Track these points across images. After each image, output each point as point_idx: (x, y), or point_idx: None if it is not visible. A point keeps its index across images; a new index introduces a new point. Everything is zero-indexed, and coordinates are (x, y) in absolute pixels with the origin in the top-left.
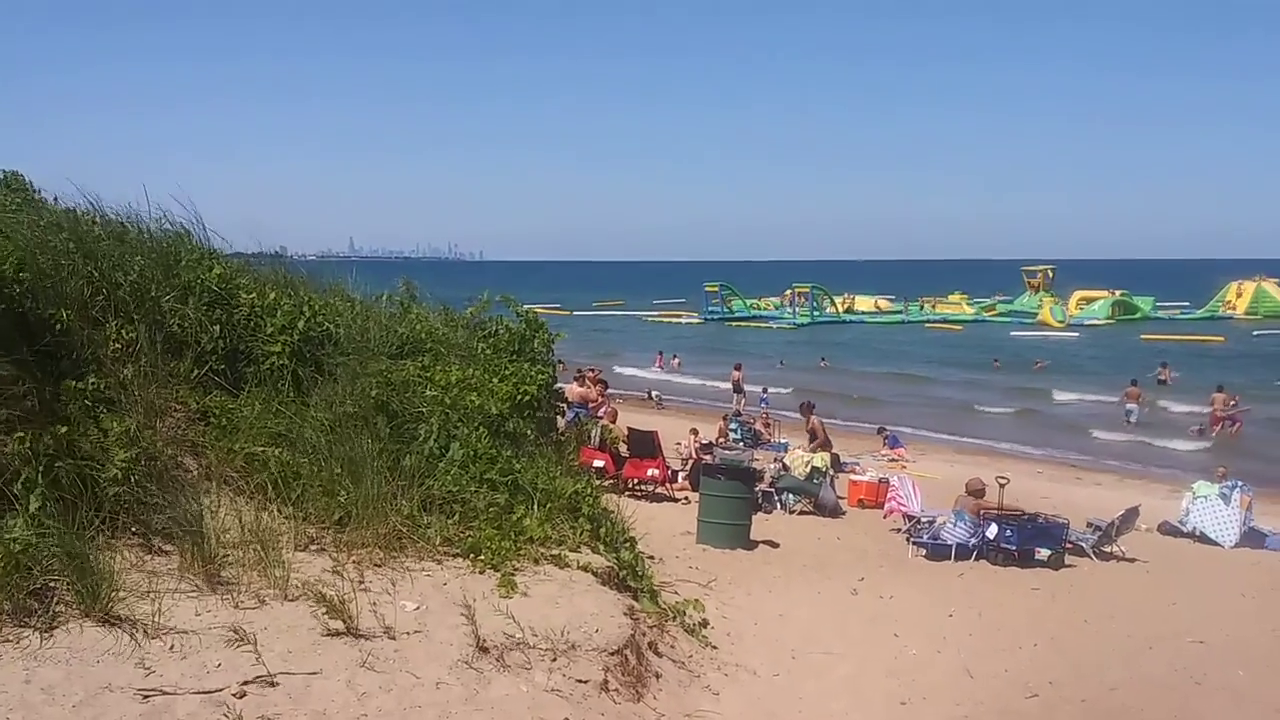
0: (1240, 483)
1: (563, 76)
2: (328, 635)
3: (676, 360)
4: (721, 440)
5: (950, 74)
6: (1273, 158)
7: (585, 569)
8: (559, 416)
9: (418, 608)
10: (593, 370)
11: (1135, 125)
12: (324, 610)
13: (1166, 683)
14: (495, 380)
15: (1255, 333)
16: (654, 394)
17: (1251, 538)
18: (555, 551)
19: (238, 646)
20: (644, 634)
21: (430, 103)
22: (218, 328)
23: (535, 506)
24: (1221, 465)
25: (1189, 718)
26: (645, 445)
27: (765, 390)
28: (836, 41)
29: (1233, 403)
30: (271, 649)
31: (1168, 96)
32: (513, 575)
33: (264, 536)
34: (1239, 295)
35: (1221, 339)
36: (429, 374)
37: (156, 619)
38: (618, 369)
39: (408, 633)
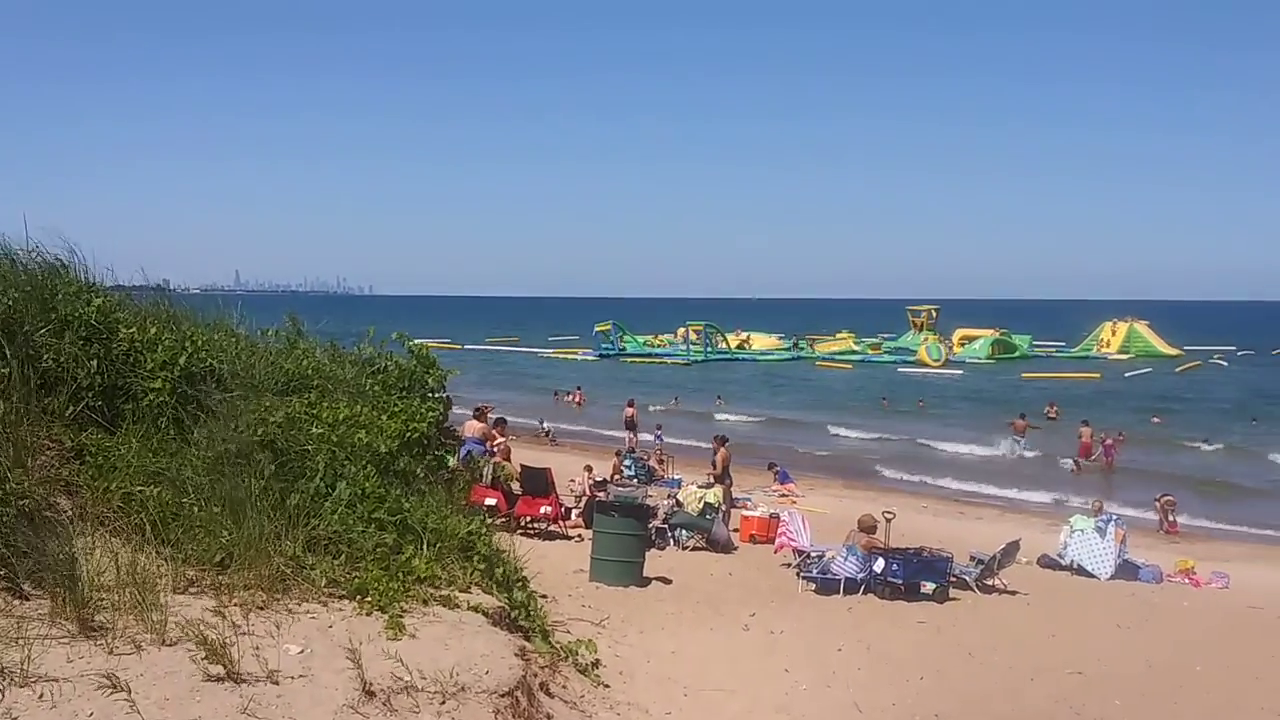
0: (1115, 517)
1: (451, 110)
2: (207, 681)
3: (574, 396)
4: (616, 477)
5: (836, 123)
6: (1136, 207)
7: (476, 609)
8: (451, 454)
9: (302, 651)
10: (487, 405)
11: (1012, 172)
12: (204, 655)
13: (1048, 713)
14: (384, 417)
15: (1127, 373)
16: (547, 429)
17: (1126, 570)
18: (445, 592)
19: (111, 694)
20: (536, 675)
21: (315, 132)
22: (95, 363)
23: (425, 546)
24: (1097, 500)
25: None
26: (538, 483)
27: (659, 427)
28: (723, 80)
29: (1121, 437)
30: (148, 696)
31: (1038, 146)
32: (401, 617)
33: (141, 579)
34: (1113, 334)
35: (1098, 376)
36: (315, 411)
37: (25, 667)
38: (510, 415)
39: (291, 677)
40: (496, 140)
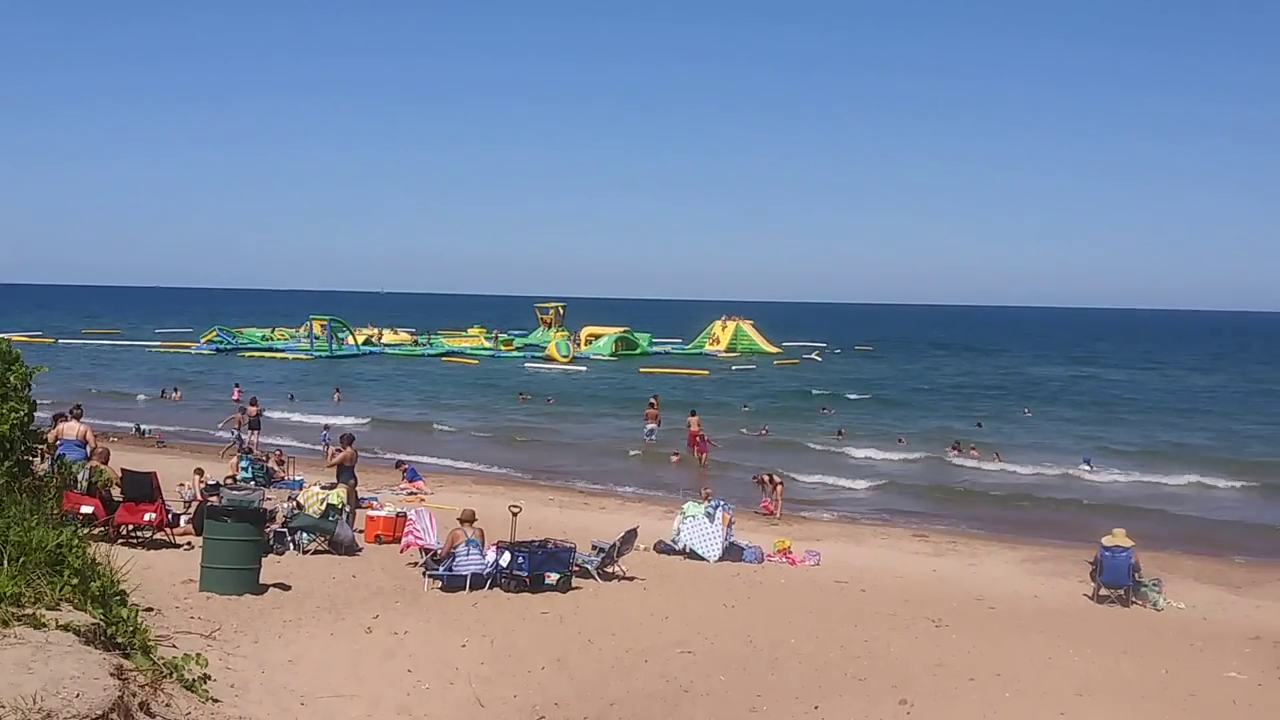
0: (723, 502)
1: (47, 80)
2: None
3: (177, 394)
4: (230, 480)
5: (474, 132)
6: (746, 216)
7: (67, 628)
8: (37, 458)
9: None
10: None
11: (632, 184)
12: None
13: (659, 693)
14: None
15: (734, 367)
16: (145, 429)
17: (732, 552)
18: (30, 611)
19: None
20: (135, 694)
21: None
22: None
23: (5, 561)
24: (707, 487)
25: None
26: (141, 488)
27: (326, 428)
28: (376, 76)
29: (764, 431)
30: None
31: (654, 162)
32: None
33: None
34: (723, 332)
35: (706, 372)
36: None
37: None
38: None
39: None
40: (94, 110)
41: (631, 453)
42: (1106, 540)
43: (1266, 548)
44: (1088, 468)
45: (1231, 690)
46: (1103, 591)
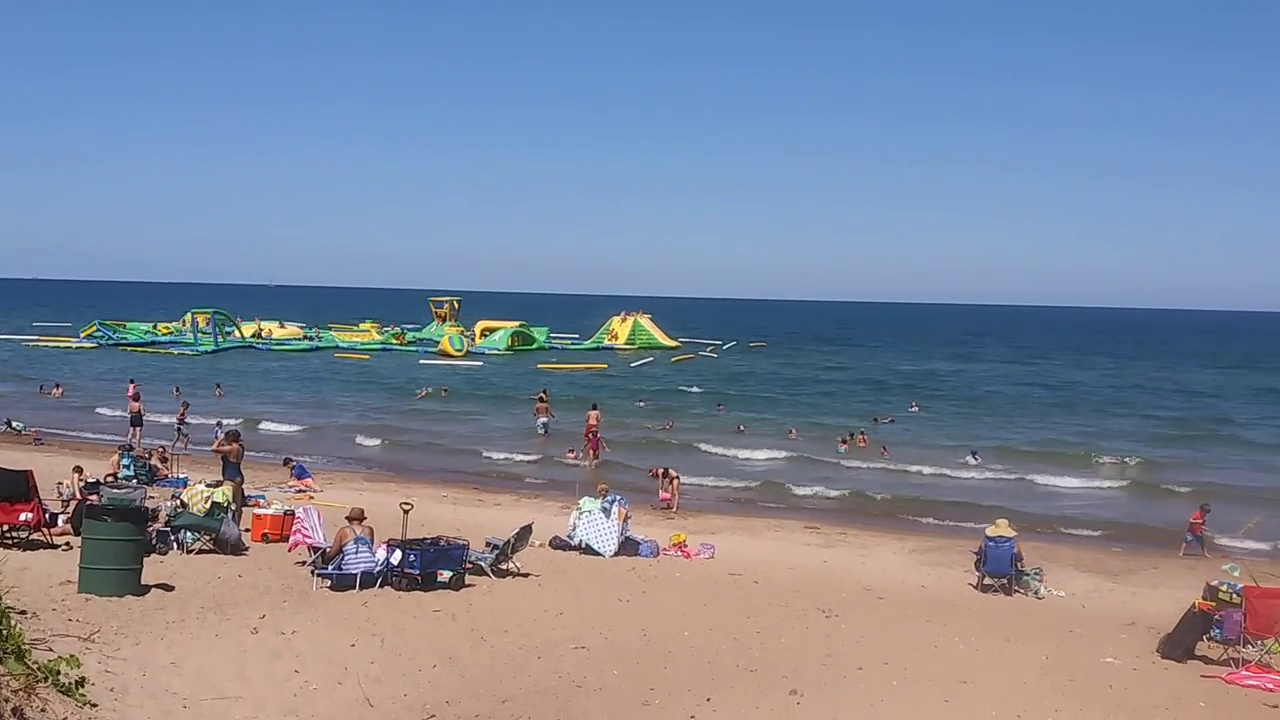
0: (619, 497)
1: None
2: None
3: (58, 390)
4: (111, 477)
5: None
6: (646, 215)
7: None
8: None
9: None
10: None
11: (526, 178)
12: None
13: (551, 689)
14: None
15: (633, 363)
16: (17, 425)
17: (628, 546)
18: None
19: None
20: (7, 700)
21: None
22: None
23: None
24: (603, 482)
25: None
26: (16, 486)
27: (219, 424)
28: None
29: (669, 425)
30: None
31: (551, 159)
32: None
33: None
34: (622, 325)
35: (605, 366)
36: None
37: None
38: None
39: None
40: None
41: (517, 457)
42: (990, 531)
43: (1141, 537)
44: (973, 460)
45: (1108, 675)
46: (986, 581)
